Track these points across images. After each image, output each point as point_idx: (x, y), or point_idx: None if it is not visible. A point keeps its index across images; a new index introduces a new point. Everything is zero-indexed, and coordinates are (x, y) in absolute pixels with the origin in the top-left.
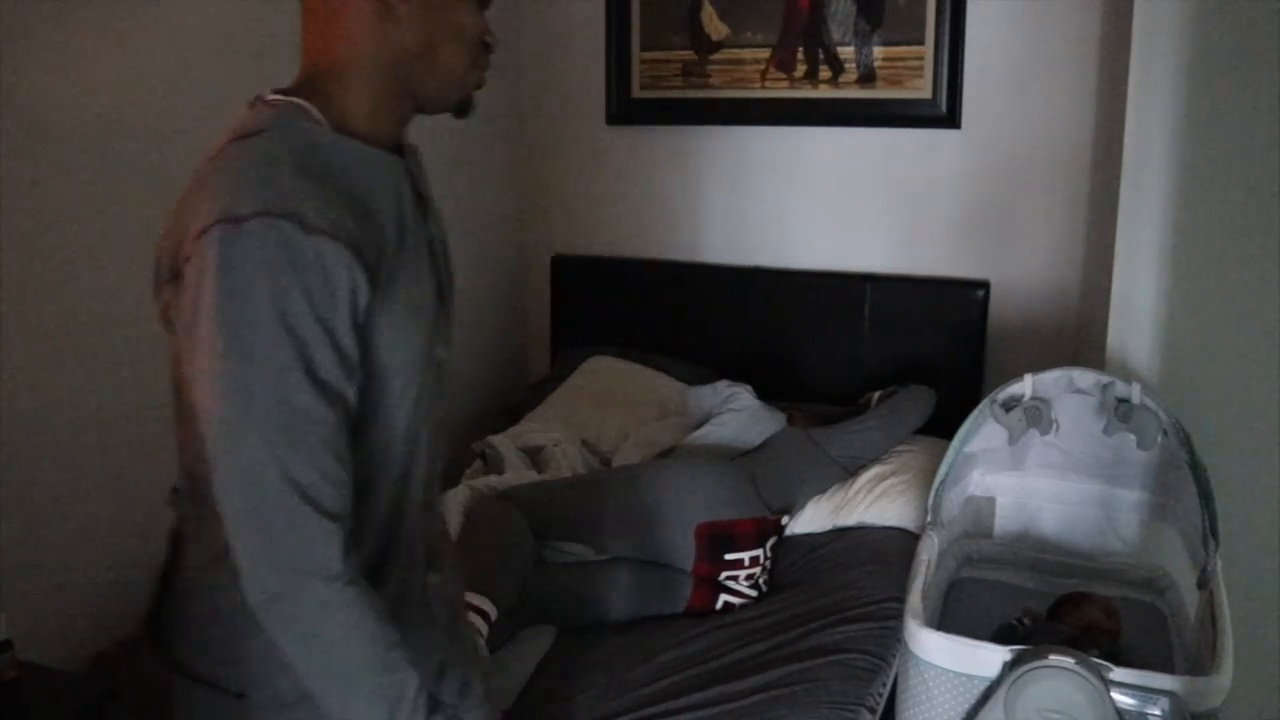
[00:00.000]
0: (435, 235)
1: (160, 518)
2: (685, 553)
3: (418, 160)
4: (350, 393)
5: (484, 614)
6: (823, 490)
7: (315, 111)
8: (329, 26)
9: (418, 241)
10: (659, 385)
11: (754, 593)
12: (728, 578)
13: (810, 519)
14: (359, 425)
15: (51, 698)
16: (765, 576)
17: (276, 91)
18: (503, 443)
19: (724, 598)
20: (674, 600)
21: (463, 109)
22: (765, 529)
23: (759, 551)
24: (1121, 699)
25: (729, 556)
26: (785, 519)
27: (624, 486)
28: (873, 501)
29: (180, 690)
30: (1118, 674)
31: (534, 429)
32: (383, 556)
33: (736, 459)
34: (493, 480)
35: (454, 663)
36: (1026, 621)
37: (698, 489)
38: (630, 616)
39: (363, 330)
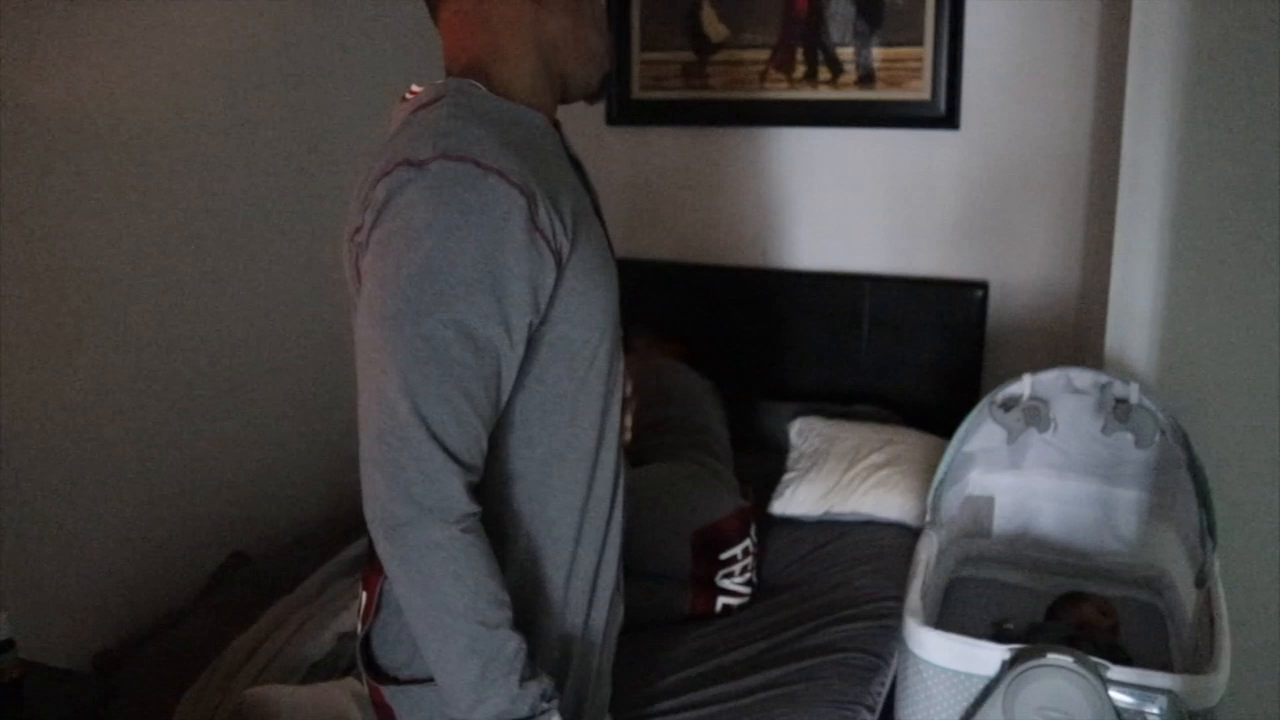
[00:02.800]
0: (595, 197)
1: (160, 518)
2: (683, 562)
3: (565, 135)
4: (507, 341)
5: None
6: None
7: (480, 86)
8: (482, 19)
9: (585, 200)
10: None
11: (748, 590)
12: (723, 575)
13: (801, 501)
14: (546, 376)
15: (53, 697)
16: (755, 566)
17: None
18: None
19: (722, 600)
20: (674, 606)
21: (601, 92)
22: (746, 518)
23: (747, 542)
24: (1120, 697)
25: (723, 555)
26: (749, 496)
27: None
28: (868, 491)
29: (400, 700)
30: (1116, 672)
31: None
32: (581, 517)
33: (676, 451)
34: None
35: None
36: (1010, 627)
37: (686, 498)
38: (629, 622)
39: (545, 279)
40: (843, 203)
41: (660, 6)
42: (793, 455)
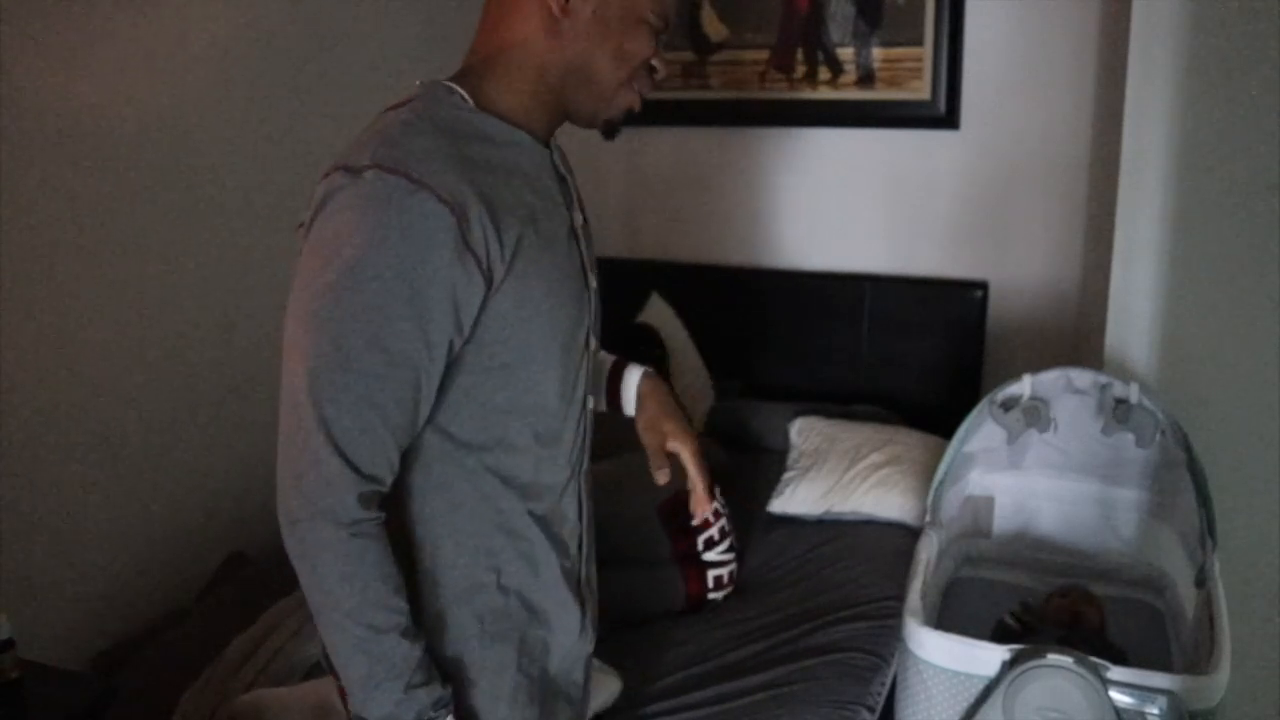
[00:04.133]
0: (578, 220)
1: (160, 518)
2: (658, 537)
3: (563, 156)
4: (425, 356)
5: None
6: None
7: (462, 92)
8: (499, 21)
9: (558, 223)
10: None
11: (732, 555)
12: (704, 543)
13: (801, 500)
14: (489, 391)
15: (53, 697)
16: (733, 530)
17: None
18: None
19: (712, 574)
20: (669, 594)
21: (609, 129)
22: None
23: (714, 504)
24: (1119, 697)
25: (695, 522)
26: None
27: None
28: (868, 490)
29: None
30: (1116, 673)
31: None
32: (508, 539)
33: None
34: None
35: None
36: (1010, 620)
37: (640, 478)
38: (632, 617)
39: (473, 298)
40: (843, 203)
41: None
42: (793, 455)
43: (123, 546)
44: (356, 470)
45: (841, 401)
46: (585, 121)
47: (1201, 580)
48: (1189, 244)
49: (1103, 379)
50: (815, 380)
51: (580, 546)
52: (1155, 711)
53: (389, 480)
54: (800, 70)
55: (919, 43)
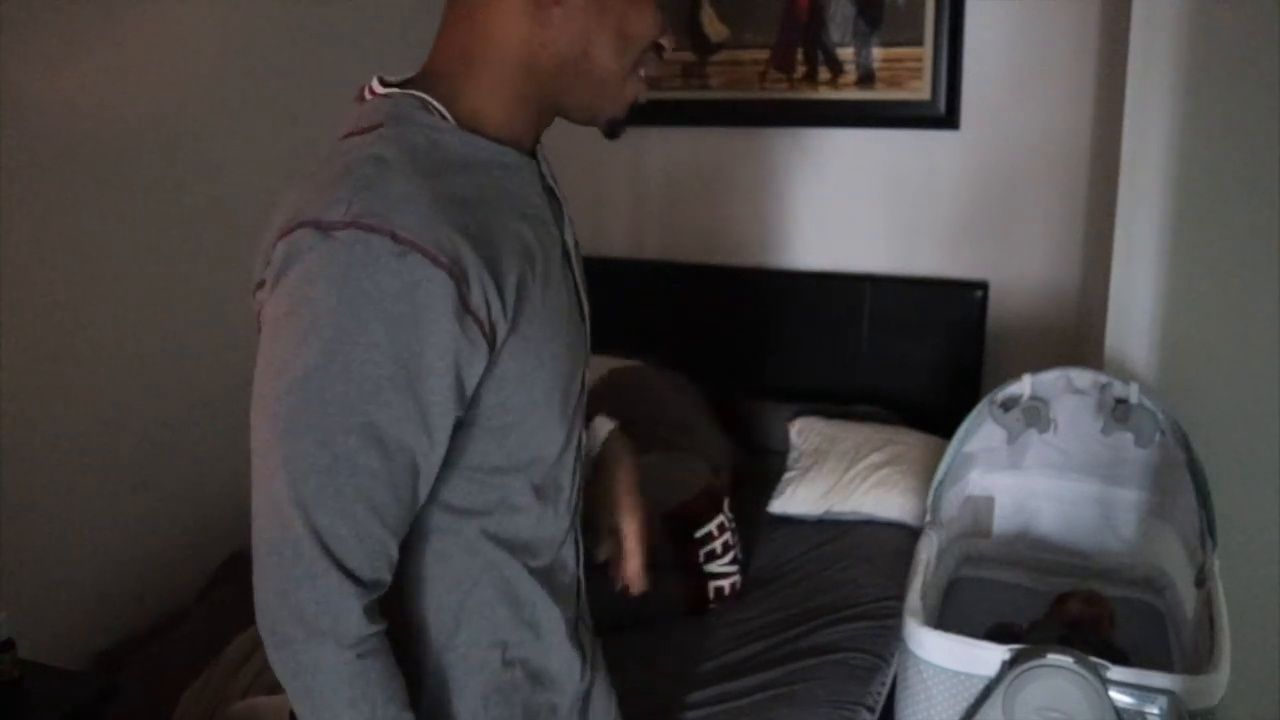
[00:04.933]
0: (569, 242)
1: (160, 517)
2: (661, 549)
3: (547, 160)
4: (426, 441)
5: None
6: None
7: (438, 106)
8: (471, 18)
9: (550, 248)
10: None
11: (735, 569)
12: (707, 558)
13: (802, 500)
14: (485, 454)
15: (53, 697)
16: (738, 543)
17: (387, 84)
18: None
19: (713, 585)
20: (668, 601)
21: (613, 128)
22: (715, 495)
23: (721, 518)
24: (1119, 697)
25: (698, 534)
26: (719, 476)
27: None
28: (868, 490)
29: None
30: (1116, 673)
31: None
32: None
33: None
34: None
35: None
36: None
37: (648, 483)
38: (632, 621)
39: (475, 367)
40: (843, 203)
41: (660, 7)
42: (793, 455)
43: (123, 546)
44: (358, 581)
45: (841, 401)
46: (585, 120)
47: (1201, 580)
48: (1189, 244)
49: (1103, 379)
50: (815, 380)
51: (579, 592)
52: (1155, 711)
53: (390, 577)
54: (800, 70)
55: (919, 43)
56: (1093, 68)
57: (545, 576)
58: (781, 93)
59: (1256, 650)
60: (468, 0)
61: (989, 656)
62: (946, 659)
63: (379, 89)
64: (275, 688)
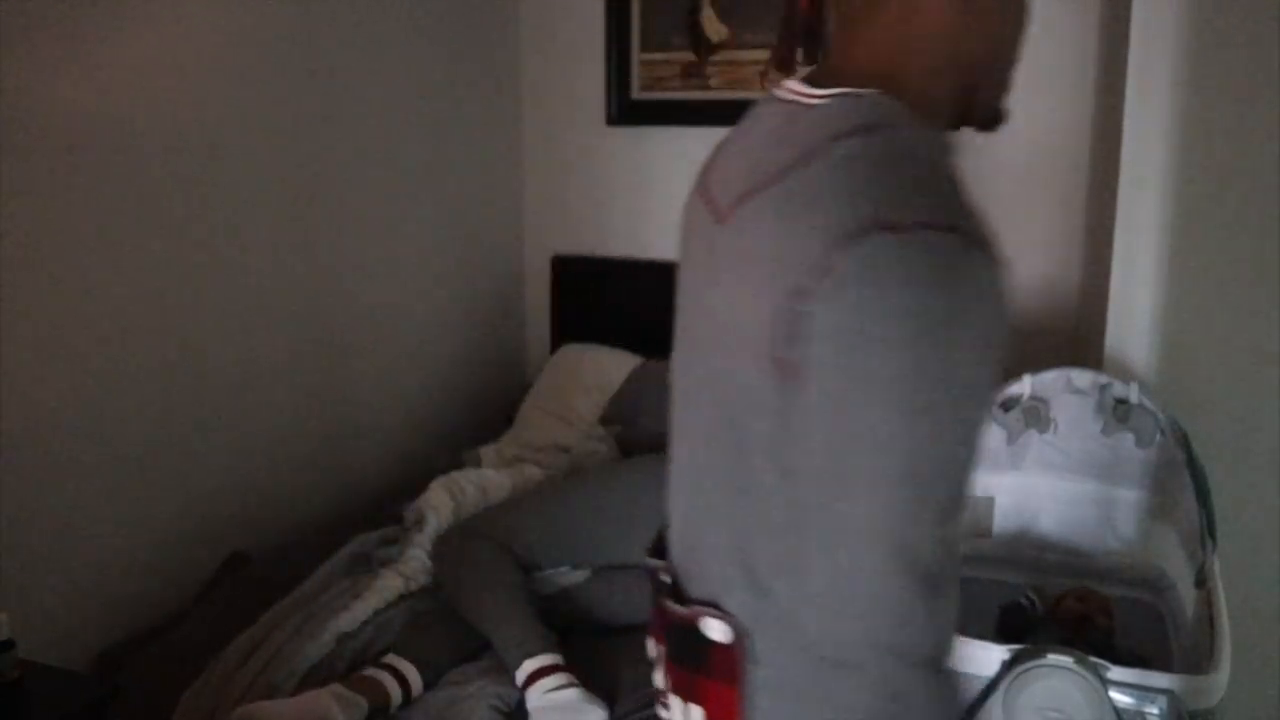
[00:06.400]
0: None
1: (160, 518)
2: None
3: None
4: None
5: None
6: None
7: (908, 111)
8: (905, 21)
9: None
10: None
11: None
12: None
13: None
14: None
15: (53, 697)
16: None
17: (800, 86)
18: (489, 456)
19: None
20: None
21: (997, 118)
22: None
23: None
24: (1119, 697)
25: None
26: None
27: (589, 500)
28: None
29: None
30: (1115, 673)
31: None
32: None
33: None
34: (470, 474)
35: None
36: (1029, 599)
37: (654, 481)
38: (633, 620)
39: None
40: None
41: (660, 6)
42: None
43: (123, 546)
44: (942, 595)
45: None
46: (987, 121)
47: (1201, 580)
48: (1189, 243)
49: (1103, 379)
50: None
51: None
52: (1155, 711)
53: None
54: (800, 70)
55: None
56: (1093, 66)
57: None
58: None
59: (1256, 650)
60: (896, 4)
61: (988, 656)
62: None
63: (811, 89)
64: (275, 689)
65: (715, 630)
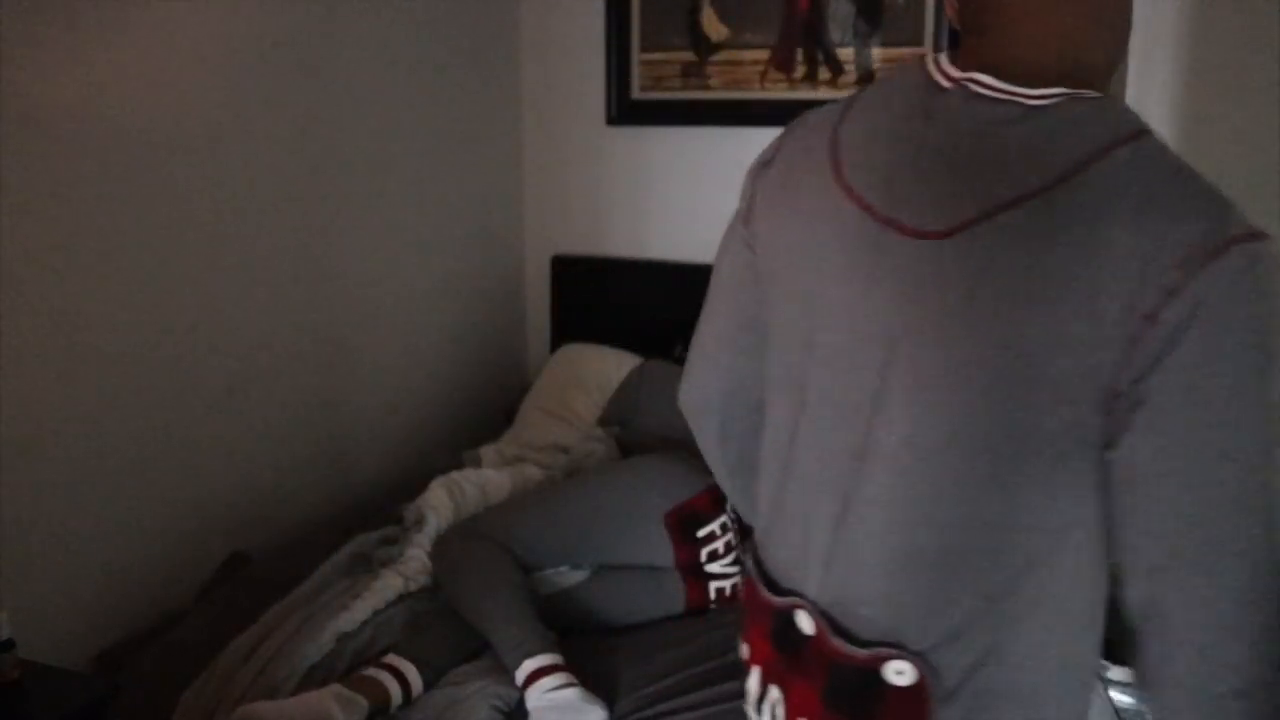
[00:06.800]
0: None
1: (160, 518)
2: (662, 547)
3: None
4: None
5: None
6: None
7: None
8: (1095, 17)
9: None
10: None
11: (737, 569)
12: (708, 555)
13: None
14: None
15: (53, 697)
16: (740, 544)
17: (1002, 84)
18: (489, 456)
19: (714, 585)
20: (670, 600)
21: None
22: (717, 494)
23: (724, 517)
24: (1119, 697)
25: (700, 533)
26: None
27: (589, 500)
28: None
29: None
30: (1116, 673)
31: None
32: None
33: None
34: (470, 474)
35: None
36: None
37: (653, 481)
38: (633, 620)
39: None
40: None
41: (660, 6)
42: None
43: (123, 546)
44: None
45: None
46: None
47: None
48: None
49: None
50: None
51: None
52: None
53: None
54: (800, 70)
55: (919, 43)
56: None
57: None
58: (781, 93)
59: None
60: (1057, 10)
61: None
62: None
63: (1024, 89)
64: (275, 689)
65: (905, 675)
